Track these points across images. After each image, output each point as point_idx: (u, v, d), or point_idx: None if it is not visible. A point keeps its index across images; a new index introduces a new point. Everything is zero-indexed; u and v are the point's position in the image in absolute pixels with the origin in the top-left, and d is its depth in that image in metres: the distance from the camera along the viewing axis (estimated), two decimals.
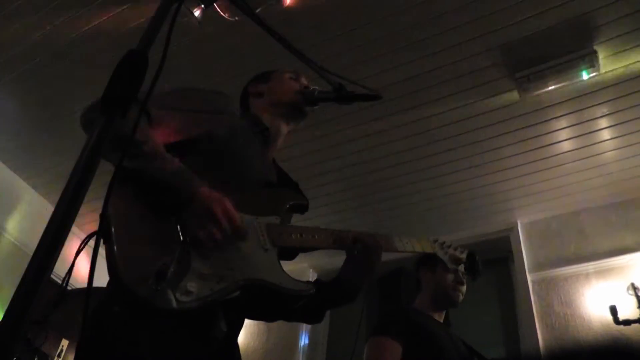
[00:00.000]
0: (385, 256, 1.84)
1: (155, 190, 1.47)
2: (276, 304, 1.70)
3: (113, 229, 1.37)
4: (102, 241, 1.12)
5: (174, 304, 1.30)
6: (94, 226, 1.16)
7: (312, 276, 5.65)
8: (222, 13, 3.59)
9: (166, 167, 1.50)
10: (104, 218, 1.39)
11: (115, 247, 1.35)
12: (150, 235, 1.43)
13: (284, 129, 2.02)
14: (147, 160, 1.48)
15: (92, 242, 1.18)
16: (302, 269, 5.73)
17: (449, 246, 2.02)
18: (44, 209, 5.31)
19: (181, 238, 1.43)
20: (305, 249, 1.78)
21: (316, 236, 1.77)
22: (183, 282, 1.35)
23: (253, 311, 1.73)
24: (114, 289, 1.45)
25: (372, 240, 1.81)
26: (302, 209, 1.89)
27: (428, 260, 3.09)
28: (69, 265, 1.24)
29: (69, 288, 5.33)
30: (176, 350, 1.40)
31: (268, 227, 1.67)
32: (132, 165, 1.46)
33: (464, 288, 3.02)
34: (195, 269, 1.39)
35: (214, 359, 1.51)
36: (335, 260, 1.82)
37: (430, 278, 3.06)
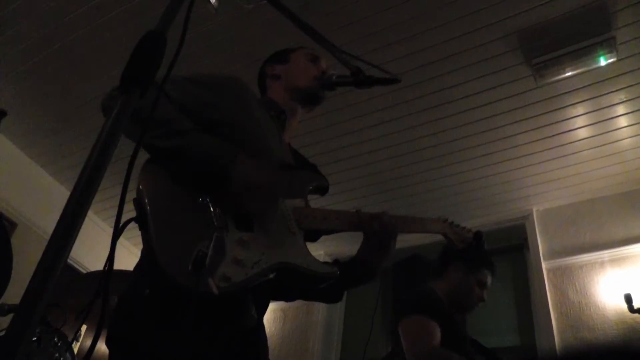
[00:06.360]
0: (401, 243, 1.83)
1: (193, 166, 1.49)
2: (301, 285, 1.73)
3: (150, 216, 1.39)
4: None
5: (215, 289, 1.32)
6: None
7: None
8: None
9: (202, 140, 1.52)
10: (137, 203, 1.41)
11: (154, 235, 1.37)
12: (185, 221, 1.45)
13: (300, 112, 2.02)
14: (181, 136, 1.49)
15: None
16: (317, 256, 5.72)
17: (457, 226, 2.02)
18: (61, 195, 5.34)
19: (215, 223, 1.44)
20: (329, 231, 1.79)
21: (339, 218, 1.78)
22: (220, 269, 1.37)
23: (276, 292, 1.74)
24: (144, 272, 1.47)
25: (388, 219, 1.79)
26: (323, 190, 1.90)
27: (467, 258, 3.03)
28: (109, 252, 1.13)
29: (83, 271, 5.34)
30: (208, 335, 1.40)
31: (294, 210, 1.69)
32: (167, 144, 1.48)
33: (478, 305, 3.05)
34: (230, 255, 1.41)
35: (243, 342, 1.52)
36: (350, 247, 1.82)
37: (459, 277, 3.02)
